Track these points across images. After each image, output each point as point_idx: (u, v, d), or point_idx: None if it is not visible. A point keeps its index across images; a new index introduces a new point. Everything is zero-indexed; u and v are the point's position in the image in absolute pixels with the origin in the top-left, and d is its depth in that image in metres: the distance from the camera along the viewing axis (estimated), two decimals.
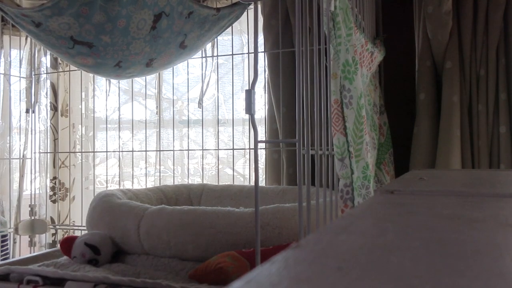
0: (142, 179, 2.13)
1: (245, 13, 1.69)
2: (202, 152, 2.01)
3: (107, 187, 2.14)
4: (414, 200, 0.34)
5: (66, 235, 1.93)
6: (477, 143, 1.57)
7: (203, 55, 1.97)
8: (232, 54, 1.92)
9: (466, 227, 0.23)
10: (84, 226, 2.00)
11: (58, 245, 1.42)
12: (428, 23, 1.58)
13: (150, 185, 2.01)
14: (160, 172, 2.06)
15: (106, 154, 2.11)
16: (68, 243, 1.30)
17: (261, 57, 1.83)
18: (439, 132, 1.56)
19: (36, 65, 2.12)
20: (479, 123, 1.56)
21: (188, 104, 2.08)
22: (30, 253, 1.95)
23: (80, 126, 2.21)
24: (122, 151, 2.11)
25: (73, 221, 2.18)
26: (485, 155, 1.55)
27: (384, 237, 0.21)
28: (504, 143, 1.53)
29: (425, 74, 1.63)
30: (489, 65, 1.56)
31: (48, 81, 2.17)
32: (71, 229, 2.15)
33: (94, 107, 2.19)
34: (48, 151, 2.18)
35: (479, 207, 0.31)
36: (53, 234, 2.15)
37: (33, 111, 2.10)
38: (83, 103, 2.22)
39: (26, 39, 2.10)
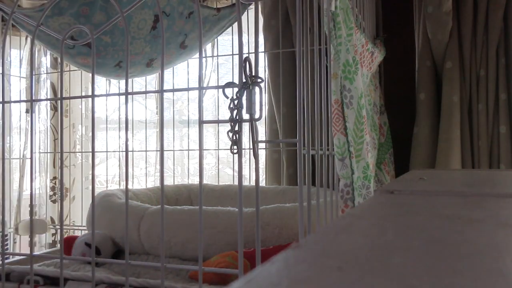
0: (142, 179, 2.13)
1: (245, 13, 1.69)
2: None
3: (107, 187, 2.14)
4: (414, 200, 0.34)
5: (66, 235, 1.93)
6: (477, 143, 1.57)
7: (203, 55, 1.97)
8: (232, 54, 1.92)
9: (466, 227, 0.23)
10: (84, 226, 2.00)
11: (58, 245, 1.42)
12: (428, 23, 1.58)
13: (150, 185, 2.00)
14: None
15: (106, 154, 2.11)
16: (68, 243, 1.30)
17: (261, 57, 1.83)
18: (439, 132, 1.56)
19: (36, 65, 2.13)
20: (479, 123, 1.56)
21: (188, 104, 2.08)
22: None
23: (80, 126, 2.22)
24: (122, 151, 2.11)
25: (73, 221, 2.18)
26: (485, 155, 1.55)
27: (384, 237, 0.21)
28: (504, 143, 1.53)
29: (425, 74, 1.63)
30: (489, 65, 1.56)
31: (48, 81, 2.17)
32: (71, 229, 2.15)
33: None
34: (48, 151, 2.18)
35: (479, 207, 0.31)
36: (53, 234, 2.15)
37: (33, 111, 2.10)
38: (83, 103, 2.22)
39: (26, 39, 2.10)
